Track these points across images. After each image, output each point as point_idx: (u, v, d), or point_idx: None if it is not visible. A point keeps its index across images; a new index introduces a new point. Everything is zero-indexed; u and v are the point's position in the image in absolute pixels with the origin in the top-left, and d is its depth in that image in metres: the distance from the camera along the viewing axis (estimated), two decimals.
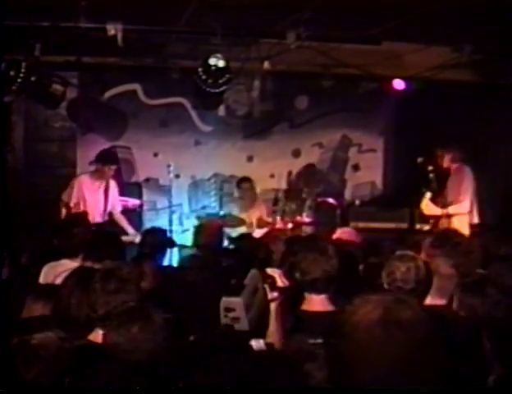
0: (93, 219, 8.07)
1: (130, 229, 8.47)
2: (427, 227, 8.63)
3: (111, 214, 8.61)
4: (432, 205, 8.05)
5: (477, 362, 2.96)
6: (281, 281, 3.75)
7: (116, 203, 8.72)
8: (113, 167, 8.52)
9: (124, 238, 7.12)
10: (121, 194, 9.02)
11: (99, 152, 8.91)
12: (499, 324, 2.86)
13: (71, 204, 8.34)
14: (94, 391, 2.86)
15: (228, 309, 3.32)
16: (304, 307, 3.93)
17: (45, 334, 2.95)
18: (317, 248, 4.01)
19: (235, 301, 3.33)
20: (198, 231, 6.73)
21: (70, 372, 2.81)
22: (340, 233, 6.82)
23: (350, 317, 2.11)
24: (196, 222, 9.27)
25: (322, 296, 3.90)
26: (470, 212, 7.87)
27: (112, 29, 7.13)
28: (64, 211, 8.31)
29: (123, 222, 8.61)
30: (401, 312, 2.07)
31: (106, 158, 8.60)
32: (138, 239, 7.59)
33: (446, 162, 8.10)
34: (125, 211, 8.98)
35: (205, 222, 6.83)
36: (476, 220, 7.90)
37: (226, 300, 3.35)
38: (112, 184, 8.62)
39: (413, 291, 3.98)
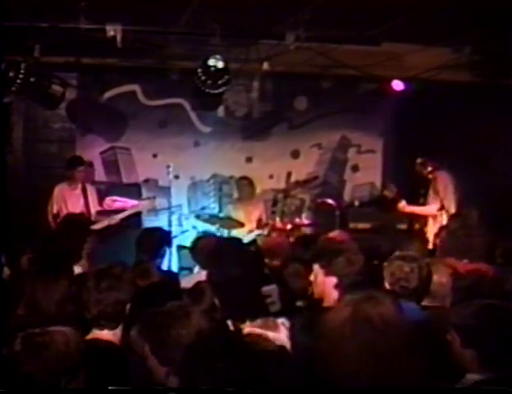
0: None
1: (128, 201, 8.78)
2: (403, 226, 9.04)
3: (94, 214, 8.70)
4: (408, 207, 8.39)
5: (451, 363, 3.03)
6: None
7: (95, 203, 8.81)
8: (81, 168, 8.68)
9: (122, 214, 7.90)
10: (121, 195, 9.07)
11: (68, 159, 9.07)
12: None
13: (55, 212, 8.51)
14: (95, 391, 2.88)
15: (266, 296, 3.80)
16: None
17: (56, 328, 2.95)
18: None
19: (272, 289, 3.85)
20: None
21: (84, 368, 2.81)
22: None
23: (325, 315, 2.21)
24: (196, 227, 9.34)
25: None
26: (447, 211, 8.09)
27: (112, 30, 7.21)
28: (51, 220, 8.48)
29: (116, 203, 8.80)
30: (371, 309, 2.13)
31: (72, 162, 8.80)
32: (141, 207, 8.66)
33: (423, 169, 8.33)
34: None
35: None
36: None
37: (264, 289, 3.82)
38: (90, 187, 8.81)
39: (416, 290, 4.15)
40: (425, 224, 8.42)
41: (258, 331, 3.57)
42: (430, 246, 7.23)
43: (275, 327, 3.60)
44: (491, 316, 2.90)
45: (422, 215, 8.50)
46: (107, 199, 8.91)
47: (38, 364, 2.66)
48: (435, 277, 4.33)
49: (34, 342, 2.73)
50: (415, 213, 8.50)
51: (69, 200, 8.58)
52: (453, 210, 8.05)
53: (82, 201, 8.63)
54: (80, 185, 8.66)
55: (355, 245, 4.45)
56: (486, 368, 2.80)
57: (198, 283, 4.52)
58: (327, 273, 4.14)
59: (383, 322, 2.11)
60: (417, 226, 8.55)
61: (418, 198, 8.59)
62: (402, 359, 2.10)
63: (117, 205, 8.95)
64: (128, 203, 9.14)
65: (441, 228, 6.89)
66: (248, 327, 3.62)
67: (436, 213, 8.20)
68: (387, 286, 4.24)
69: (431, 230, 8.07)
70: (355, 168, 11.06)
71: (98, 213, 8.72)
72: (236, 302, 3.72)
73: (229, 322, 3.68)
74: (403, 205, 8.40)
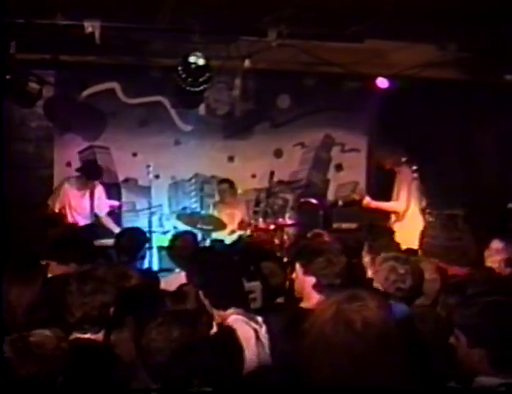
0: (79, 222, 8.41)
1: (117, 230, 8.41)
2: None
3: (97, 216, 8.78)
4: (373, 202, 8.37)
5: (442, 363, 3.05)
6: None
7: (103, 205, 8.91)
8: (97, 182, 8.78)
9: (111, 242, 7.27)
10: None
11: (85, 162, 9.15)
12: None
13: (56, 209, 8.54)
14: (96, 391, 2.94)
15: (249, 292, 3.98)
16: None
17: (42, 332, 2.93)
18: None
19: (255, 285, 4.05)
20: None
21: (67, 370, 2.83)
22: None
23: (309, 315, 2.22)
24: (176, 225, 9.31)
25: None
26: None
27: (90, 27, 7.14)
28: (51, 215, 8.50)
29: (110, 224, 8.82)
30: (353, 312, 2.13)
31: (90, 174, 8.79)
32: None
33: (389, 163, 8.32)
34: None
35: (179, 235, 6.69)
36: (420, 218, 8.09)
37: (248, 285, 3.97)
38: (99, 187, 8.86)
39: (412, 290, 4.16)
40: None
41: (242, 318, 3.71)
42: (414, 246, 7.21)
43: (256, 321, 3.75)
44: (499, 313, 2.87)
45: (388, 211, 8.41)
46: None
47: (25, 369, 2.66)
48: (425, 275, 4.34)
49: (18, 347, 2.72)
50: (381, 208, 8.40)
51: (74, 201, 8.64)
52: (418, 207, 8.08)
53: (88, 202, 8.70)
54: (89, 190, 8.71)
55: (337, 245, 4.54)
56: (497, 367, 2.77)
57: (182, 286, 4.50)
58: (306, 272, 4.21)
59: (365, 325, 2.11)
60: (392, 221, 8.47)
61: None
62: (380, 364, 2.10)
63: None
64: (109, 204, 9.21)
65: (425, 229, 6.85)
66: (232, 315, 3.75)
67: (403, 209, 8.15)
68: (381, 289, 4.21)
69: (405, 226, 8.01)
70: (339, 167, 11.07)
71: (108, 214, 8.91)
72: (220, 294, 3.83)
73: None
74: (367, 201, 8.38)
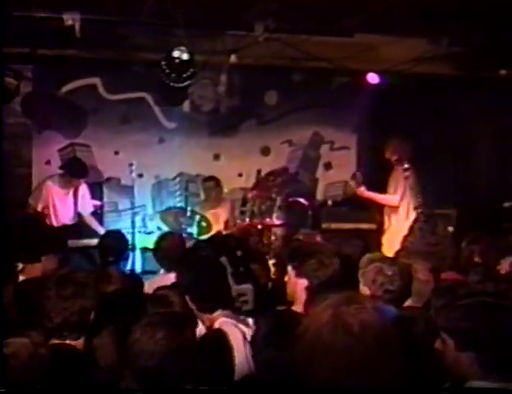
0: (62, 222, 8.44)
1: (101, 230, 8.49)
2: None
3: (80, 216, 8.75)
4: (367, 192, 8.37)
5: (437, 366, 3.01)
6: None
7: (87, 204, 8.87)
8: (83, 180, 8.72)
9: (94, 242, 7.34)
10: None
11: (69, 160, 9.06)
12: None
13: (39, 209, 8.48)
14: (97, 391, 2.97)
15: (240, 295, 4.01)
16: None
17: (19, 340, 2.91)
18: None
19: (247, 288, 4.06)
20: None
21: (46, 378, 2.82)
22: None
23: (304, 318, 2.23)
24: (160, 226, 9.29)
25: None
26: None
27: (70, 20, 7.14)
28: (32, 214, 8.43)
29: (93, 224, 8.77)
30: (351, 314, 2.13)
31: (75, 172, 8.67)
32: None
33: (389, 154, 8.29)
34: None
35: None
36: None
37: (238, 288, 4.00)
38: (83, 186, 8.79)
39: (400, 292, 4.16)
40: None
41: (230, 321, 3.73)
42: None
43: (246, 323, 3.77)
44: (487, 314, 2.84)
45: (381, 203, 8.45)
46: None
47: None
48: (419, 275, 4.37)
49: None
50: (374, 199, 8.42)
51: (58, 200, 8.57)
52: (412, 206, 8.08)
53: (72, 201, 8.65)
54: (72, 189, 8.65)
55: (330, 247, 4.55)
56: (488, 370, 2.75)
57: (161, 289, 4.49)
58: (298, 274, 4.21)
59: (363, 328, 2.12)
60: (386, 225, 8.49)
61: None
62: (379, 366, 2.12)
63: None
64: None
65: (409, 232, 6.89)
66: (220, 317, 3.76)
67: (396, 204, 8.18)
68: (367, 291, 4.21)
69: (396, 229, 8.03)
70: (328, 166, 11.07)
71: (92, 213, 8.87)
72: (207, 297, 3.82)
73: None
74: (362, 190, 8.36)
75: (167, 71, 7.78)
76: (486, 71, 8.40)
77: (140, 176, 9.83)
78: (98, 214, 9.25)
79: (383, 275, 4.15)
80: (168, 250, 6.02)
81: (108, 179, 10.25)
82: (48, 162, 9.80)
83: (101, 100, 10.07)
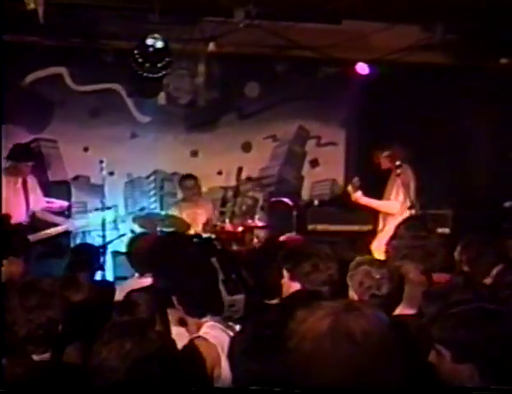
0: (15, 220, 8.20)
1: (58, 219, 8.61)
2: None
3: (34, 213, 8.65)
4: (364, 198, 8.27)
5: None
6: None
7: (39, 200, 8.75)
8: (29, 164, 8.55)
9: (54, 230, 7.89)
10: (47, 194, 8.99)
11: (12, 147, 8.88)
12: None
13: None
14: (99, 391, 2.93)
15: (232, 305, 3.87)
16: None
17: None
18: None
19: (239, 298, 3.89)
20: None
21: None
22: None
23: (299, 326, 2.22)
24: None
25: None
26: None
27: (32, 3, 6.90)
28: None
29: (49, 216, 8.72)
30: (352, 322, 2.17)
31: (19, 155, 8.58)
32: (71, 226, 8.70)
33: (386, 161, 8.16)
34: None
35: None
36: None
37: (230, 299, 3.85)
38: (31, 180, 8.67)
39: (389, 298, 4.12)
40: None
41: (218, 325, 3.75)
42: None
43: (234, 330, 3.76)
44: (485, 321, 2.84)
45: (379, 210, 8.35)
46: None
47: None
48: (410, 276, 4.34)
49: None
50: (371, 206, 8.32)
51: (7, 195, 8.27)
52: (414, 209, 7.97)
53: (22, 196, 8.54)
54: (20, 180, 8.52)
55: (328, 250, 4.53)
56: (491, 383, 2.70)
57: (130, 293, 4.42)
58: (292, 278, 4.33)
59: (364, 335, 2.15)
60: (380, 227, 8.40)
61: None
62: (382, 372, 2.15)
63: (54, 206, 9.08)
64: (55, 205, 9.12)
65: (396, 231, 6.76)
66: (209, 322, 3.76)
67: (397, 210, 8.02)
68: (355, 296, 4.18)
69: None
70: (314, 163, 11.03)
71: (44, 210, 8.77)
72: (196, 301, 3.79)
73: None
74: (357, 196, 8.25)
75: (140, 60, 7.78)
76: (486, 60, 8.42)
77: (111, 174, 9.78)
78: (64, 216, 9.14)
79: (371, 278, 4.14)
80: (143, 252, 5.88)
81: (76, 177, 10.18)
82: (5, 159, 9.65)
83: (68, 91, 9.99)
